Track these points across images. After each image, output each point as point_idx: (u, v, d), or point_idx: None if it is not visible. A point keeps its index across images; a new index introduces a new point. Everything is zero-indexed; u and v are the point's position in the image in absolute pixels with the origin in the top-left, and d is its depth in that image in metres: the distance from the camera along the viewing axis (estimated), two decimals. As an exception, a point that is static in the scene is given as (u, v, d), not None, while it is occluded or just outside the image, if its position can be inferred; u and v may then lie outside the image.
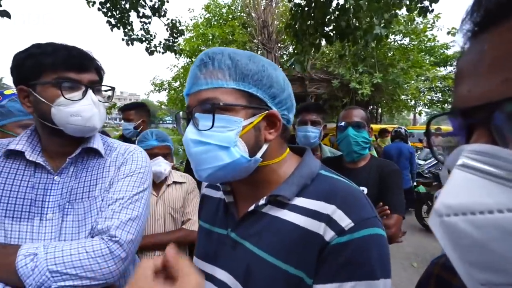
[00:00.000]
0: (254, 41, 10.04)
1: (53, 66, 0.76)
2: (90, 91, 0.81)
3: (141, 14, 4.53)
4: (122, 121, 2.46)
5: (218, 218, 0.68)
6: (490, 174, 0.25)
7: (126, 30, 4.56)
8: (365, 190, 1.44)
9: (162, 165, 1.53)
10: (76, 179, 0.83)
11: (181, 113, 0.65)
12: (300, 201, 0.57)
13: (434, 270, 0.51)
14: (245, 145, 0.56)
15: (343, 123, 1.52)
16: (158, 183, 1.56)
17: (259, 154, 0.58)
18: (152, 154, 1.52)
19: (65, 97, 0.78)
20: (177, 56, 6.07)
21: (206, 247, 0.67)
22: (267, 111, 0.58)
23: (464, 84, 0.30)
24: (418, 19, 9.32)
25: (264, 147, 0.59)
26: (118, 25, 4.44)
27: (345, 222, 0.50)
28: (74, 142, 0.85)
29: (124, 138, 2.37)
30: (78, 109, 0.79)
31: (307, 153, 0.65)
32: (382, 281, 0.48)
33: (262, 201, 0.58)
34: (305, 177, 0.59)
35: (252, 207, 0.59)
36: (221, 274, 0.60)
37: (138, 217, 0.81)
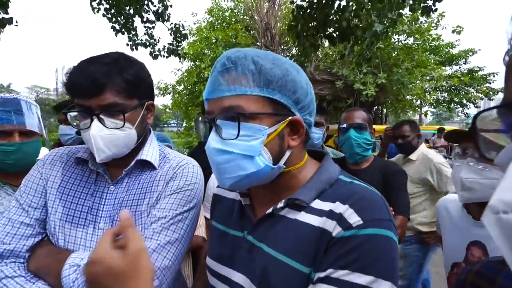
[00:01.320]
0: (257, 43, 10.07)
1: (68, 92, 0.76)
2: (94, 121, 0.74)
3: (145, 19, 4.60)
4: (61, 125, 2.07)
5: (233, 220, 0.68)
6: None
7: (131, 35, 4.63)
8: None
9: None
10: (127, 191, 0.82)
11: (200, 117, 0.65)
12: (317, 204, 0.57)
13: (468, 277, 0.49)
14: (269, 153, 0.55)
15: (344, 125, 1.52)
16: None
17: (282, 161, 0.58)
18: None
19: (73, 125, 0.81)
20: (181, 60, 6.12)
21: (221, 249, 0.67)
22: (291, 117, 0.57)
23: None
24: (422, 18, 9.25)
25: (287, 153, 0.58)
26: (123, 30, 4.51)
27: (354, 219, 0.50)
28: (128, 154, 0.83)
29: (60, 145, 2.03)
30: (86, 139, 0.77)
31: (326, 158, 0.65)
32: (377, 280, 0.46)
33: (280, 204, 0.58)
34: (324, 183, 0.59)
35: (270, 210, 0.59)
36: (238, 277, 0.61)
37: (178, 240, 0.76)
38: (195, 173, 0.87)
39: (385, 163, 1.54)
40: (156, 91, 12.26)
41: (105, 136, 0.75)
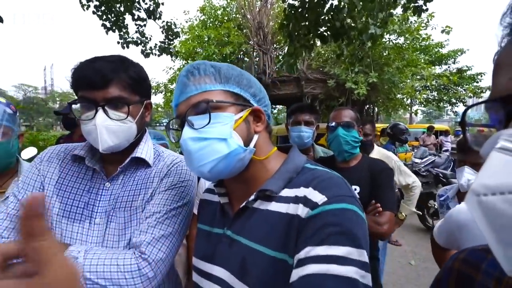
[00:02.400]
0: (250, 42, 10.07)
1: (74, 85, 0.80)
2: (99, 112, 0.77)
3: (136, 17, 4.56)
4: None
5: (216, 220, 0.72)
6: None
7: (122, 33, 4.58)
8: (358, 188, 1.47)
9: None
10: (123, 187, 0.85)
11: (171, 122, 0.68)
12: (285, 192, 0.61)
13: (454, 265, 0.51)
14: (239, 137, 0.61)
15: (333, 124, 1.56)
16: None
17: (252, 144, 0.64)
18: None
19: (76, 118, 0.82)
20: (173, 58, 6.08)
21: (205, 248, 0.70)
22: (252, 107, 0.65)
23: (504, 74, 0.31)
24: (412, 18, 9.41)
25: (255, 137, 0.65)
26: (113, 28, 4.46)
27: (319, 198, 0.54)
28: (124, 151, 0.85)
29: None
30: (88, 130, 0.78)
31: (292, 149, 0.70)
32: (352, 249, 0.48)
33: (252, 197, 0.63)
34: (291, 171, 0.64)
35: (243, 204, 0.64)
36: (218, 271, 0.63)
37: (172, 234, 0.79)
38: (188, 171, 0.90)
39: (373, 161, 1.57)
40: (147, 90, 12.18)
41: (109, 127, 0.78)
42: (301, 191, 0.57)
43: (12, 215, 0.79)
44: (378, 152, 2.42)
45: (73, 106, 0.84)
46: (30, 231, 0.27)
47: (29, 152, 2.95)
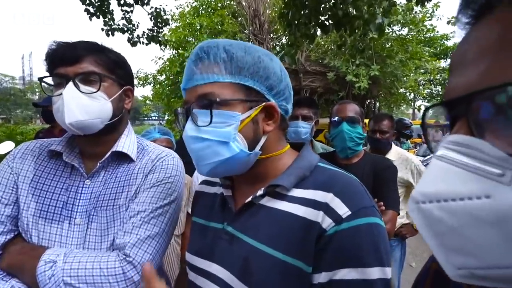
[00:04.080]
0: (245, 31, 10.00)
1: (48, 64, 0.79)
2: (69, 84, 0.76)
3: (122, 2, 4.47)
4: None
5: (214, 213, 0.70)
6: (463, 163, 0.27)
7: (106, 19, 4.49)
8: (360, 187, 1.47)
9: None
10: (104, 184, 0.83)
11: (179, 109, 0.67)
12: (298, 192, 0.59)
13: (432, 266, 0.53)
14: (244, 139, 0.59)
15: (336, 118, 1.55)
16: None
17: (258, 147, 0.61)
18: None
19: (47, 94, 0.81)
20: (162, 47, 6.00)
21: (200, 243, 0.69)
22: (264, 103, 0.61)
23: (452, 77, 0.33)
24: (417, 8, 9.44)
25: (263, 139, 0.62)
26: (98, 13, 4.37)
27: (343, 210, 0.53)
28: (103, 143, 0.84)
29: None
30: (57, 106, 0.77)
31: (305, 147, 0.69)
32: (376, 269, 0.50)
33: (260, 192, 0.61)
34: (304, 169, 0.62)
35: (249, 199, 0.62)
36: (217, 270, 0.62)
37: (158, 234, 0.78)
38: (175, 165, 0.89)
39: (376, 158, 1.58)
40: (135, 81, 12.03)
41: (78, 100, 0.76)
42: (321, 196, 0.56)
43: None
44: (396, 153, 2.22)
45: (44, 85, 0.82)
46: (147, 281, 0.55)
47: (5, 146, 2.89)
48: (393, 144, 2.31)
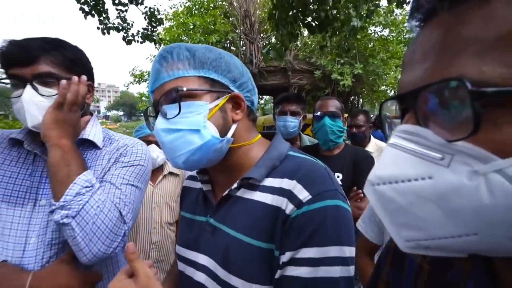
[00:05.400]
0: (237, 31, 9.90)
1: (2, 63, 0.76)
2: (27, 86, 0.74)
3: (117, 1, 4.36)
4: None
5: (198, 207, 0.71)
6: (411, 149, 0.30)
7: (101, 18, 4.38)
8: (340, 176, 1.52)
9: (154, 152, 1.66)
10: None
11: (149, 109, 0.66)
12: (268, 182, 0.60)
13: (392, 244, 0.54)
14: (214, 127, 0.59)
15: (319, 113, 1.59)
16: (154, 172, 1.66)
17: (229, 134, 0.61)
18: (146, 142, 1.67)
19: (5, 96, 0.80)
20: (157, 46, 5.89)
21: (188, 235, 0.70)
22: (230, 94, 0.62)
23: (403, 74, 0.35)
24: (397, 11, 9.53)
25: (233, 127, 0.62)
26: (93, 12, 4.25)
27: (304, 195, 0.54)
28: None
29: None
30: (17, 108, 0.76)
31: (276, 137, 0.69)
32: (335, 248, 0.51)
33: (234, 185, 0.62)
34: (274, 159, 0.63)
35: (226, 192, 0.63)
36: (202, 259, 0.64)
37: (131, 204, 0.79)
38: (144, 151, 0.91)
39: (355, 150, 1.63)
40: (131, 78, 11.78)
41: (39, 103, 0.75)
42: (286, 184, 0.57)
43: None
44: (374, 145, 2.30)
45: (1, 86, 0.81)
46: (131, 260, 0.55)
47: None
48: (371, 137, 2.38)
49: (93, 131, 0.89)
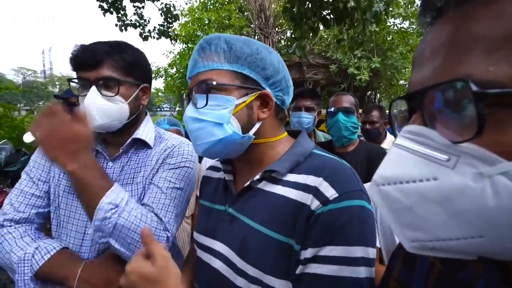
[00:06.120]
0: (251, 25, 9.84)
1: (72, 67, 0.84)
2: (91, 89, 0.80)
3: (134, -2, 4.44)
4: None
5: (217, 196, 0.73)
6: (417, 150, 0.29)
7: (119, 15, 4.48)
8: (355, 173, 1.50)
9: None
10: (125, 165, 0.90)
11: (184, 95, 0.70)
12: (292, 177, 0.61)
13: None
14: (238, 123, 0.61)
15: (332, 109, 1.56)
16: None
17: (251, 132, 0.62)
18: None
19: (74, 94, 0.87)
20: (173, 42, 5.96)
21: (206, 223, 0.73)
22: (260, 91, 0.62)
23: (413, 72, 0.34)
24: (418, 1, 9.11)
25: (257, 125, 0.63)
26: (111, 10, 4.36)
27: (330, 192, 0.54)
28: (124, 134, 0.90)
29: None
30: (82, 107, 0.82)
31: (301, 134, 0.70)
32: (360, 248, 0.51)
33: (257, 177, 0.63)
34: (298, 155, 0.63)
35: (248, 183, 0.64)
36: (219, 246, 0.66)
37: (174, 208, 0.83)
38: (190, 151, 0.94)
39: (370, 147, 1.59)
40: (147, 74, 12.05)
41: (98, 105, 0.81)
42: (312, 180, 0.57)
43: (26, 192, 0.85)
44: (391, 142, 2.18)
45: (72, 84, 0.88)
46: (147, 243, 0.57)
47: (31, 135, 2.99)
48: (387, 133, 2.29)
49: (145, 130, 0.93)
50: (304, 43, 3.40)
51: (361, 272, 0.51)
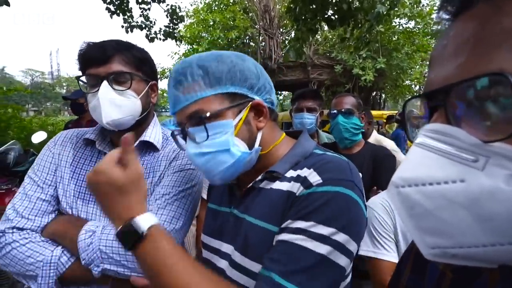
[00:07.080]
0: (256, 26, 9.86)
1: (81, 64, 0.83)
2: (103, 84, 0.78)
3: (140, 0, 4.49)
4: None
5: (224, 199, 0.74)
6: (441, 150, 0.27)
7: (126, 17, 4.53)
8: (360, 175, 1.48)
9: None
10: None
11: (175, 131, 0.67)
12: (289, 173, 0.61)
13: (413, 247, 0.52)
14: (241, 141, 0.60)
15: (334, 111, 1.56)
16: None
17: (257, 144, 0.62)
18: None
19: (84, 91, 0.85)
20: (178, 43, 6.00)
21: (213, 225, 0.73)
22: (250, 103, 0.61)
23: (432, 70, 0.33)
24: (424, 1, 9.05)
25: (259, 135, 0.63)
26: (118, 11, 4.41)
27: (315, 179, 0.55)
28: (134, 131, 0.88)
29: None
30: (93, 105, 0.81)
31: (302, 135, 0.70)
32: (331, 229, 0.50)
33: (259, 178, 0.64)
34: (298, 156, 0.63)
35: (250, 184, 0.65)
36: (225, 247, 0.67)
37: (182, 215, 0.81)
38: None
39: (375, 148, 1.58)
40: (153, 75, 12.16)
41: (112, 100, 0.79)
42: (303, 172, 0.58)
43: (30, 195, 0.81)
44: (373, 140, 2.29)
45: (80, 83, 0.86)
46: (125, 151, 0.55)
47: (39, 136, 3.04)
48: (374, 131, 2.42)
49: (153, 132, 0.90)
50: (298, 44, 3.39)
51: (327, 250, 0.50)
